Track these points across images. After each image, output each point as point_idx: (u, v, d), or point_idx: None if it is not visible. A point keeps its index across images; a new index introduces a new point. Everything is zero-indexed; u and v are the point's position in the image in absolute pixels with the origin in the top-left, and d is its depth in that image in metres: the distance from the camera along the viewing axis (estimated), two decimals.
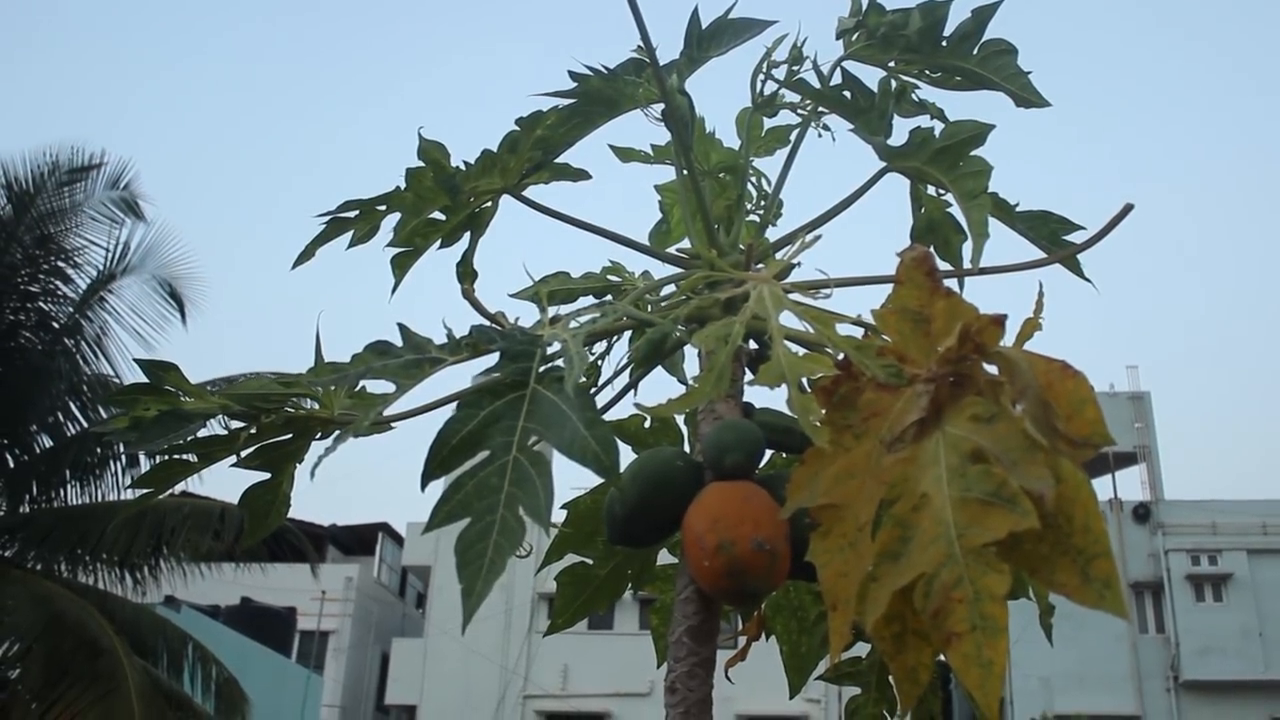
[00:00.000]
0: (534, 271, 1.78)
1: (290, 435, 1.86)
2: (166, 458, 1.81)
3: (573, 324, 1.44)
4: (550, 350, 1.38)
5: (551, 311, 1.55)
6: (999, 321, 1.31)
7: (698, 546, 1.53)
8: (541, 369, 1.36)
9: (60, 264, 12.60)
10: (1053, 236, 1.73)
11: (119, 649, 10.71)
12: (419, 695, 25.64)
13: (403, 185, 1.76)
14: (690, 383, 1.32)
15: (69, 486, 11.98)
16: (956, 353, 1.31)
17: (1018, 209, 1.75)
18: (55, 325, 12.03)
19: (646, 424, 2.04)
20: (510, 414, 1.32)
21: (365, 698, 27.39)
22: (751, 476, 1.62)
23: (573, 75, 1.84)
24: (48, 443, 12.13)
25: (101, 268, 12.68)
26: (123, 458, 12.15)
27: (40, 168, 12.52)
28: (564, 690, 24.85)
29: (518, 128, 1.77)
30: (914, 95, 1.94)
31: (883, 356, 1.38)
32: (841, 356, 1.39)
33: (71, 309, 12.30)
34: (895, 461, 1.28)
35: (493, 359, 1.40)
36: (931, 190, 1.83)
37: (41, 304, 12.22)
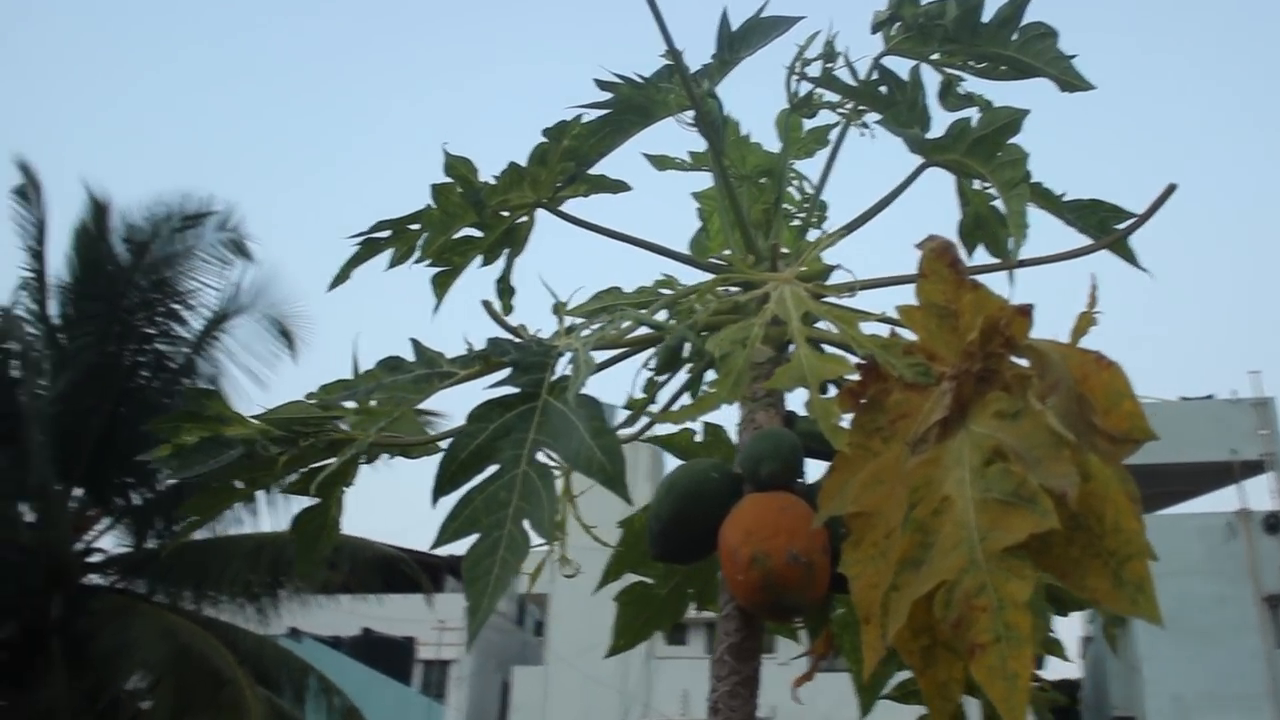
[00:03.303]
0: (576, 288, 1.75)
1: (334, 459, 1.86)
2: (216, 484, 1.83)
3: (584, 333, 1.41)
4: (564, 360, 1.35)
5: (568, 322, 1.51)
6: (1026, 312, 1.23)
7: (731, 560, 1.48)
8: (554, 379, 1.32)
9: (175, 306, 13.03)
10: (1102, 225, 1.64)
11: (242, 679, 10.96)
12: None
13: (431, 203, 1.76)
14: (705, 389, 1.27)
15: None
16: (980, 347, 1.23)
17: (1065, 199, 1.66)
18: (172, 365, 12.42)
19: (697, 438, 1.99)
20: (521, 426, 1.29)
21: None
22: (790, 487, 1.56)
23: (600, 84, 1.81)
24: (170, 480, 12.51)
25: (214, 308, 13.09)
26: None
27: (155, 215, 12.99)
28: (684, 715, 24.68)
29: (545, 139, 1.75)
30: (959, 88, 1.86)
31: (910, 355, 1.32)
32: (866, 357, 1.33)
33: (187, 350, 12.71)
34: (919, 464, 1.21)
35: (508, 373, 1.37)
36: (977, 184, 1.75)
37: (159, 345, 12.64)
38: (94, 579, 12.20)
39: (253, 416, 1.78)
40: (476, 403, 1.31)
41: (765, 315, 1.37)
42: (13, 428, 11.15)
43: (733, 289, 1.58)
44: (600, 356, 1.67)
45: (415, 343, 1.42)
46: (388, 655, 20.26)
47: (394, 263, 1.90)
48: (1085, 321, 1.62)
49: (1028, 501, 1.07)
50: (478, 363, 1.38)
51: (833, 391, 1.40)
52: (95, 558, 12.27)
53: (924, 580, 1.14)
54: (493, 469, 1.26)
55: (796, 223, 1.95)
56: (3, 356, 12.02)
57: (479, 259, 1.95)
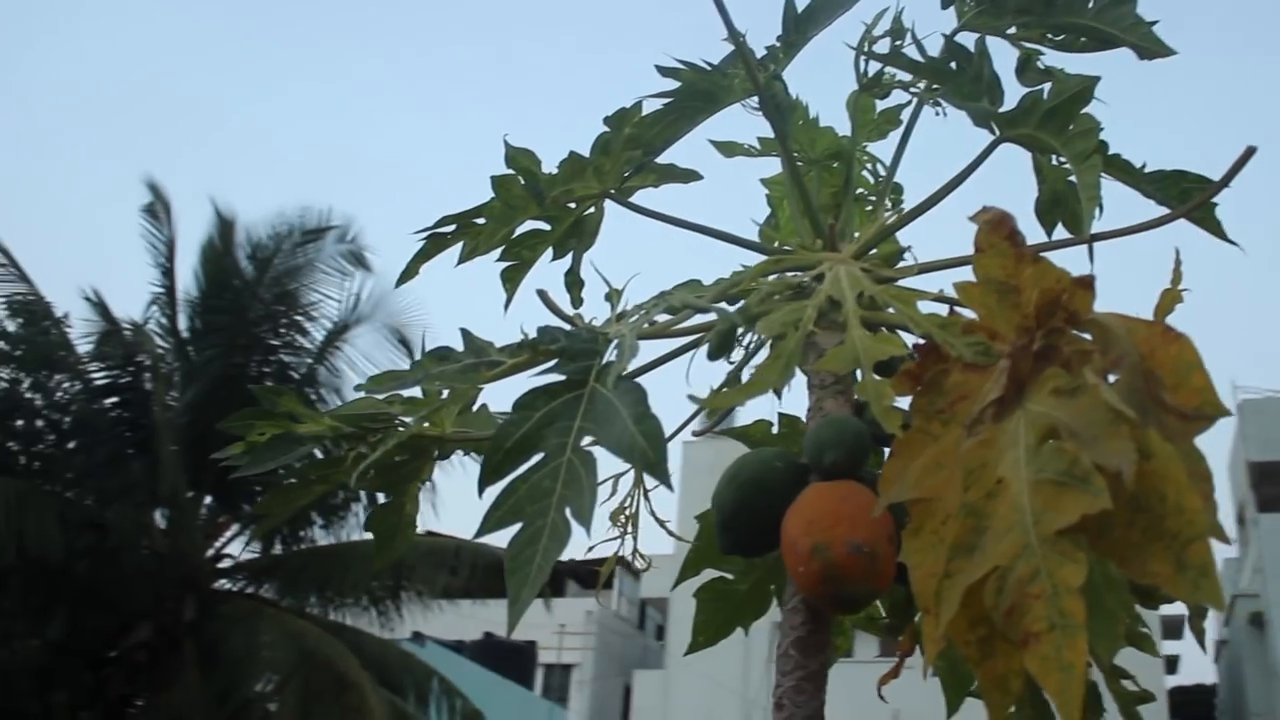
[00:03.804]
0: (632, 274, 1.73)
1: (407, 456, 1.87)
2: (289, 482, 1.85)
3: (632, 319, 1.38)
4: (612, 347, 1.32)
5: (619, 309, 1.48)
6: (1087, 284, 1.17)
7: (792, 552, 1.44)
8: (602, 366, 1.30)
9: (298, 317, 13.40)
10: (1184, 197, 1.55)
11: (365, 682, 11.20)
12: None
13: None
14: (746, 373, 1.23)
15: (316, 528, 12.62)
16: (1039, 322, 1.17)
17: (1145, 170, 1.58)
18: (295, 376, 12.75)
19: (774, 429, 1.95)
20: (567, 414, 1.26)
21: None
22: (857, 475, 1.51)
23: (661, 70, 1.78)
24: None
25: (335, 319, 13.42)
26: (363, 499, 12.76)
27: (278, 230, 13.39)
28: None
29: (606, 127, 1.72)
30: (1039, 63, 1.78)
31: (970, 334, 1.26)
32: (925, 337, 1.28)
33: (310, 360, 13.05)
34: (973, 445, 1.15)
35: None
36: (1054, 160, 1.67)
37: (283, 356, 13.01)
38: (224, 584, 12.59)
39: (326, 413, 1.79)
40: (522, 391, 1.30)
41: (819, 296, 1.33)
42: (146, 438, 11.60)
43: (788, 272, 1.53)
44: (663, 348, 1.65)
45: (465, 332, 1.41)
46: (509, 659, 20.49)
47: (463, 258, 1.90)
48: (1170, 299, 1.54)
49: (1081, 481, 1.01)
50: (526, 351, 1.36)
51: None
52: (225, 563, 12.67)
53: (977, 566, 1.08)
54: (538, 458, 1.24)
55: (870, 207, 1.89)
56: (135, 370, 12.51)
57: (549, 253, 1.94)
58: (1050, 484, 1.04)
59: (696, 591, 2.08)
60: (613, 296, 1.50)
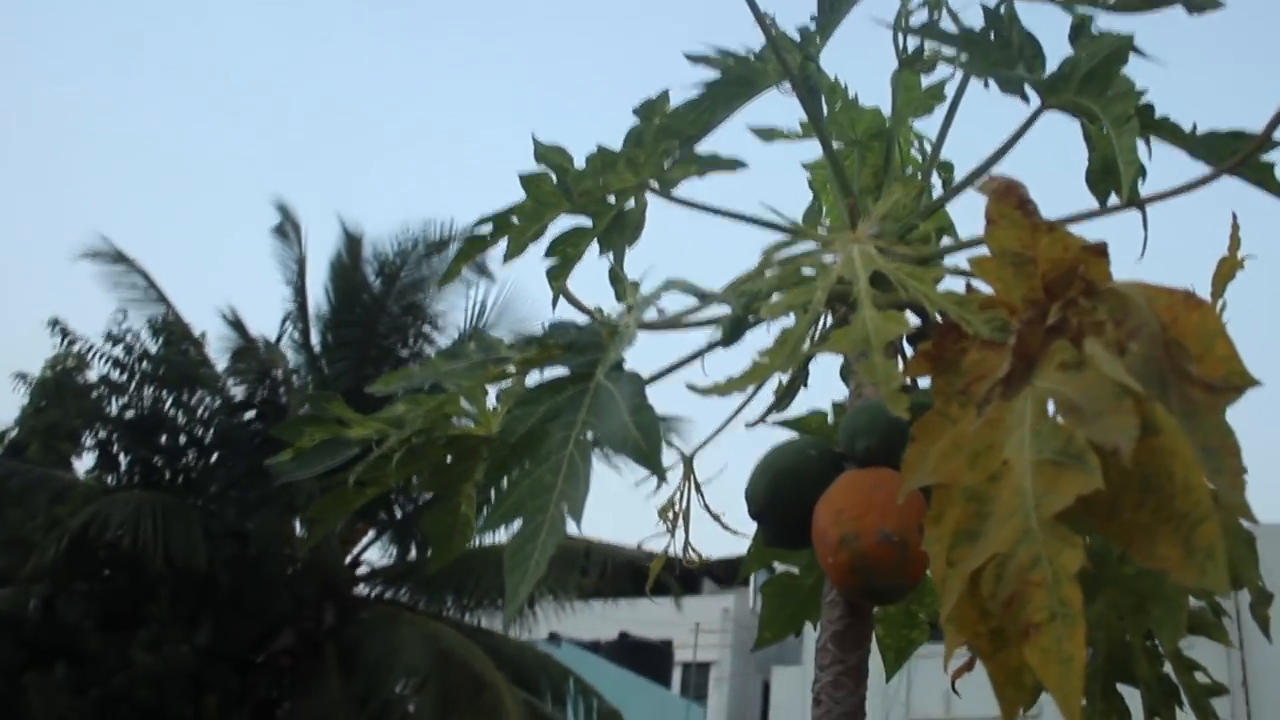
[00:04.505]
0: (648, 266, 1.69)
1: (456, 457, 1.87)
2: (341, 487, 1.86)
3: (638, 309, 1.35)
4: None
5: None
6: (1100, 251, 1.10)
7: (822, 542, 1.39)
8: (608, 359, 1.27)
9: (426, 328, 13.67)
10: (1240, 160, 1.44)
11: (501, 683, 11.36)
12: None
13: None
14: (758, 359, 1.19)
15: None
16: (1051, 294, 1.11)
17: (1197, 133, 1.48)
18: (424, 388, 12.99)
19: (830, 419, 1.89)
20: (571, 408, 1.24)
21: None
22: (893, 463, 1.45)
23: (691, 57, 1.75)
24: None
25: (462, 328, 13.64)
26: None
27: (402, 244, 13.68)
28: (947, 715, 23.94)
29: (636, 118, 1.70)
30: (1092, 28, 1.69)
31: (988, 309, 1.20)
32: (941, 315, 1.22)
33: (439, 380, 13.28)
34: (981, 426, 1.09)
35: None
36: (1104, 128, 1.58)
37: (412, 367, 13.27)
38: (362, 589, 12.91)
39: (372, 416, 1.80)
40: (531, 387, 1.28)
41: (830, 277, 1.28)
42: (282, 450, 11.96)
43: (801, 252, 1.48)
44: (693, 344, 1.61)
45: (478, 331, 1.40)
46: (646, 658, 20.57)
47: (508, 257, 1.89)
48: (1229, 267, 1.45)
49: (1076, 460, 0.95)
50: (536, 347, 1.35)
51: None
52: (362, 569, 12.99)
53: (979, 554, 1.02)
54: (542, 453, 1.22)
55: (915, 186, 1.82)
56: (271, 385, 12.93)
57: (594, 249, 1.92)
58: (1049, 464, 0.98)
59: (761, 586, 2.04)
60: (627, 289, 1.47)
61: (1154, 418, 0.96)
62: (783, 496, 1.50)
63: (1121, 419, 0.94)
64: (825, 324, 1.71)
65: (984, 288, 1.21)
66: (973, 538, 1.04)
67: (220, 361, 12.88)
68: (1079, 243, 1.13)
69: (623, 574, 13.85)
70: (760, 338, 1.52)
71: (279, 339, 13.43)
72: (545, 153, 1.71)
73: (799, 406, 1.80)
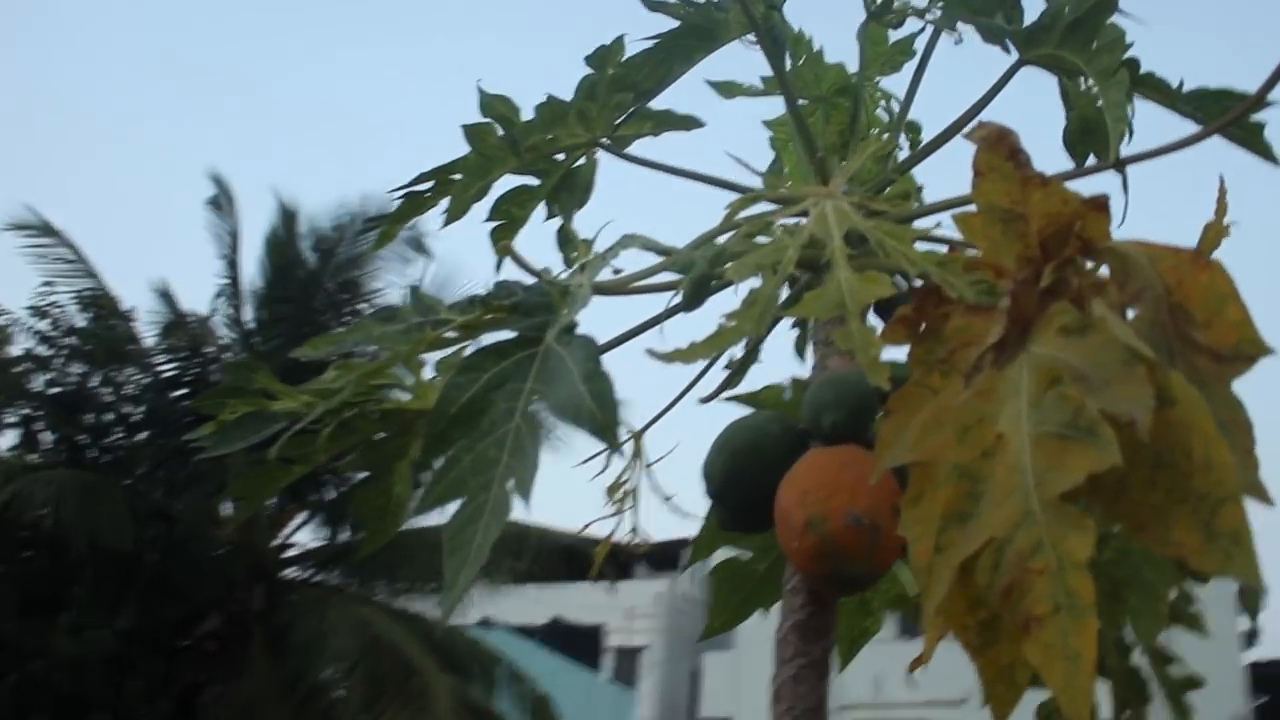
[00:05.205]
0: (604, 223, 1.57)
1: (389, 431, 1.75)
2: (264, 464, 1.73)
3: (591, 269, 1.23)
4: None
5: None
6: (1101, 205, 1.00)
7: (786, 525, 1.29)
8: (559, 321, 1.16)
9: (361, 305, 13.43)
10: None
11: (430, 669, 11.21)
12: (734, 708, 25.53)
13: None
14: (723, 321, 1.08)
15: None
16: (1046, 252, 1.01)
17: (1183, 90, 1.39)
18: (356, 353, 12.78)
19: (786, 395, 1.79)
20: (518, 375, 1.12)
21: (680, 712, 27.59)
22: (861, 440, 1.35)
23: (649, 4, 1.63)
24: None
25: (399, 306, 13.41)
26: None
27: (340, 219, 13.42)
28: (875, 699, 24.13)
29: (588, 67, 1.58)
30: None
31: (972, 270, 1.10)
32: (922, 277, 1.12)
33: (375, 348, 13.06)
34: (970, 396, 0.99)
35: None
36: (1084, 85, 1.49)
37: (341, 330, 13.04)
38: (292, 572, 12.68)
39: (300, 388, 1.67)
40: (472, 351, 1.16)
41: (802, 235, 1.17)
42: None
43: (768, 209, 1.37)
44: (652, 308, 1.50)
45: (414, 290, 1.28)
46: (577, 643, 20.49)
47: (450, 218, 1.77)
48: (1215, 233, 1.36)
49: (1086, 433, 0.85)
50: (478, 308, 1.23)
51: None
52: (293, 551, 12.76)
53: (972, 538, 0.92)
54: (485, 425, 1.10)
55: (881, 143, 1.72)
56: (202, 362, 12.63)
57: (541, 209, 1.80)
58: (1053, 438, 0.88)
59: (710, 571, 1.94)
60: (578, 247, 1.35)
61: (1169, 387, 0.86)
62: (742, 475, 1.39)
63: (1134, 387, 0.85)
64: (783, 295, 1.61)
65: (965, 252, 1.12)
66: (964, 520, 0.94)
67: (150, 337, 12.56)
68: (1077, 197, 1.03)
69: (557, 557, 13.74)
70: (722, 304, 1.42)
71: (211, 315, 13.13)
72: (490, 103, 1.58)
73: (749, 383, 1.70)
